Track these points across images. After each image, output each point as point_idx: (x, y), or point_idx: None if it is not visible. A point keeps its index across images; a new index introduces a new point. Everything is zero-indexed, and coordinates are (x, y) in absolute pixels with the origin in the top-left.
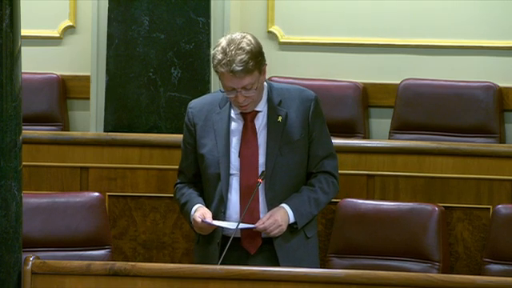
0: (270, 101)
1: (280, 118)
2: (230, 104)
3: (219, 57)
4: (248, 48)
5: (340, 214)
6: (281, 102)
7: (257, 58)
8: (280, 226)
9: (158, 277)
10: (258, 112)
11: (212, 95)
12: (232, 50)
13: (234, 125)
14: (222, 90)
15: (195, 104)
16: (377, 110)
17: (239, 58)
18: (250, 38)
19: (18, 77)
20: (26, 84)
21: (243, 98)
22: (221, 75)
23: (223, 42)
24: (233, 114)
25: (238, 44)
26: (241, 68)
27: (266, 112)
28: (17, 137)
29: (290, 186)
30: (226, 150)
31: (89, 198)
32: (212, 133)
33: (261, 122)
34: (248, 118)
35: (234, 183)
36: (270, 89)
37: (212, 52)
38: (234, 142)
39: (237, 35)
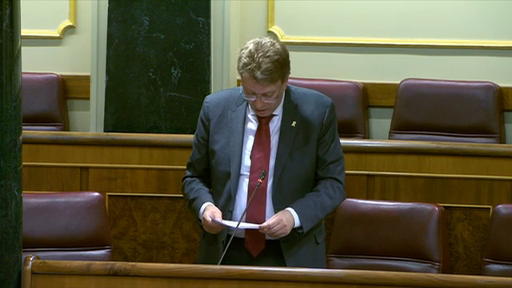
0: (286, 105)
1: (294, 123)
2: (247, 104)
3: (245, 60)
4: (276, 57)
5: (340, 214)
6: (297, 106)
7: (282, 68)
8: (284, 226)
9: (157, 277)
10: (273, 115)
11: (229, 91)
12: (260, 57)
13: (248, 125)
14: (240, 94)
15: (211, 99)
16: (377, 110)
17: (265, 66)
18: (278, 46)
19: (17, 77)
20: (26, 84)
21: (262, 104)
22: (244, 79)
23: (251, 45)
24: (249, 115)
25: (266, 52)
26: (265, 77)
27: (281, 116)
28: (17, 137)
29: (297, 190)
30: (238, 149)
31: (89, 197)
32: (226, 130)
33: (275, 125)
34: (263, 120)
35: (244, 184)
36: (288, 92)
37: (238, 54)
38: (248, 142)
39: (266, 41)
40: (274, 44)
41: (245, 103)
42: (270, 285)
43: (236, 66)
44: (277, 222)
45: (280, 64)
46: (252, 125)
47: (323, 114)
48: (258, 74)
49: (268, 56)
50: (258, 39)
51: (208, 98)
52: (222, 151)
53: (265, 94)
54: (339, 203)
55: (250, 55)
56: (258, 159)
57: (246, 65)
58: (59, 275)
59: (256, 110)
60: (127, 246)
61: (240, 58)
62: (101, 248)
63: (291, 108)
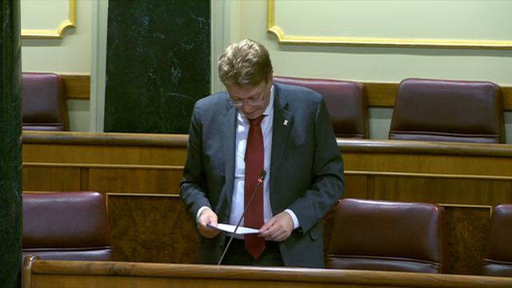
0: (276, 104)
1: (286, 122)
2: None
3: (225, 69)
4: (255, 60)
5: (340, 214)
6: (287, 104)
7: (263, 68)
8: (285, 231)
9: (157, 277)
10: (264, 116)
11: (219, 95)
12: (238, 63)
13: (240, 128)
14: (228, 98)
15: (202, 104)
16: (377, 110)
17: (245, 70)
18: (256, 47)
19: (18, 77)
20: (25, 84)
21: (250, 107)
22: (227, 86)
23: (229, 52)
24: (239, 117)
25: (245, 56)
26: (247, 81)
27: (272, 116)
28: (17, 137)
29: (294, 189)
30: (231, 153)
31: (89, 197)
32: (218, 135)
33: (267, 125)
34: (254, 121)
35: (239, 186)
36: (277, 91)
37: (218, 62)
38: (240, 145)
39: (243, 45)
40: (251, 46)
41: (234, 107)
42: (269, 285)
43: (218, 75)
44: (277, 229)
45: (260, 66)
46: (243, 127)
47: (314, 111)
48: (240, 79)
49: (247, 60)
50: (235, 44)
51: (198, 104)
52: (215, 156)
53: (251, 98)
54: (338, 200)
55: (229, 62)
56: (252, 161)
57: (226, 73)
58: (59, 275)
59: (246, 113)
60: (127, 246)
61: (220, 67)
62: (101, 248)
63: (282, 107)
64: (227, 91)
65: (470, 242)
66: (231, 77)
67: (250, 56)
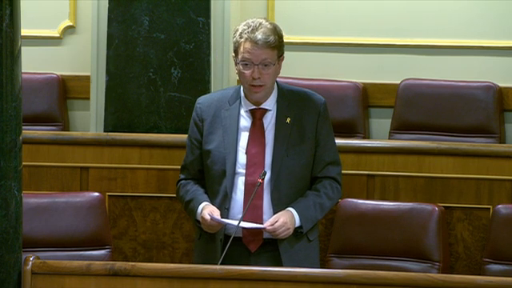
0: (279, 101)
1: (288, 120)
2: (240, 101)
3: (243, 28)
4: (270, 26)
5: (340, 213)
6: (290, 103)
7: (279, 37)
8: (288, 228)
9: (157, 277)
10: (267, 110)
11: (221, 92)
12: (256, 24)
13: (242, 122)
14: (239, 62)
15: (204, 100)
16: (377, 110)
17: (263, 30)
18: (274, 23)
19: (18, 77)
20: (25, 84)
21: (258, 74)
22: (240, 47)
23: (244, 22)
24: (242, 112)
25: (261, 22)
26: (264, 38)
27: (275, 111)
28: (17, 137)
29: (294, 187)
30: (233, 147)
31: (89, 197)
32: (220, 129)
33: (269, 120)
34: (257, 115)
35: (239, 183)
36: (280, 90)
37: (233, 38)
38: (242, 139)
39: (260, 18)
40: (267, 20)
41: (238, 101)
42: (269, 285)
43: (233, 49)
44: (282, 225)
45: (276, 33)
46: (245, 121)
47: (317, 113)
48: (257, 34)
49: (264, 25)
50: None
51: (200, 99)
52: (216, 150)
53: (262, 62)
54: (336, 203)
55: (246, 24)
56: (253, 155)
57: (243, 30)
58: (59, 275)
59: (251, 86)
60: (127, 246)
61: (236, 30)
62: (101, 248)
63: (285, 105)
64: (237, 71)
65: (469, 242)
66: (247, 32)
67: (266, 23)
